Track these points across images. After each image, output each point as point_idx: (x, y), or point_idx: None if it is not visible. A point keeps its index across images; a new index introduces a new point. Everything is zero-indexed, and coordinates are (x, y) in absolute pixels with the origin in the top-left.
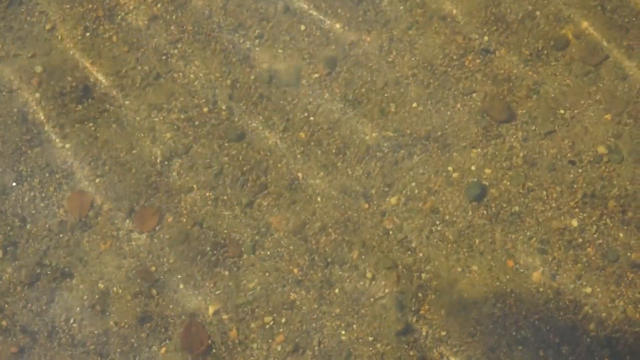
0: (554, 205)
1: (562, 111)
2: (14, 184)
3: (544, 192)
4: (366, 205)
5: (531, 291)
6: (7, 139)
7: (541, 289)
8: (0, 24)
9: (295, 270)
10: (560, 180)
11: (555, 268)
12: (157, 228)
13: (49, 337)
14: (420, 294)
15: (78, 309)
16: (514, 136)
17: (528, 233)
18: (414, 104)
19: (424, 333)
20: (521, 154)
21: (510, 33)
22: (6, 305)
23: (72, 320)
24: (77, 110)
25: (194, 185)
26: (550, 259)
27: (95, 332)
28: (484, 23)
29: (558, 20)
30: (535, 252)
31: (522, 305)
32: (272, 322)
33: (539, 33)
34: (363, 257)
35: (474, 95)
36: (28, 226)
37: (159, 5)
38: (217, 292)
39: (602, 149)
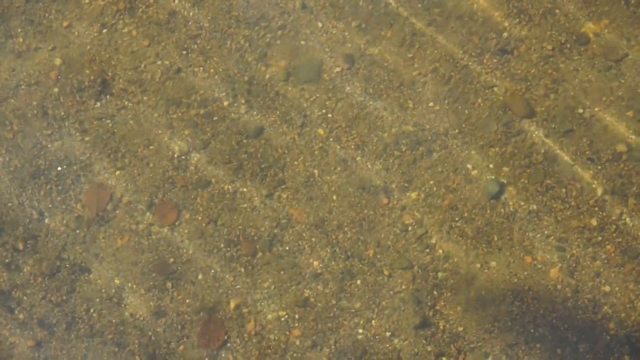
0: (573, 203)
1: (580, 110)
2: (32, 178)
3: (563, 190)
4: (385, 200)
5: (549, 289)
6: (27, 133)
7: (559, 287)
8: (22, 17)
9: (316, 263)
10: (579, 178)
11: (574, 265)
12: (176, 222)
13: (67, 328)
14: (435, 292)
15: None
16: (535, 132)
17: (546, 231)
18: (430, 104)
19: (441, 327)
20: (542, 150)
21: (533, 26)
22: (25, 298)
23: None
24: (95, 107)
25: (212, 179)
26: (568, 256)
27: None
28: (506, 16)
29: (577, 18)
30: (553, 250)
31: (540, 303)
32: (286, 317)
33: (560, 28)
34: (378, 256)
35: (495, 89)
36: (46, 220)
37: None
38: (237, 287)
39: (621, 147)
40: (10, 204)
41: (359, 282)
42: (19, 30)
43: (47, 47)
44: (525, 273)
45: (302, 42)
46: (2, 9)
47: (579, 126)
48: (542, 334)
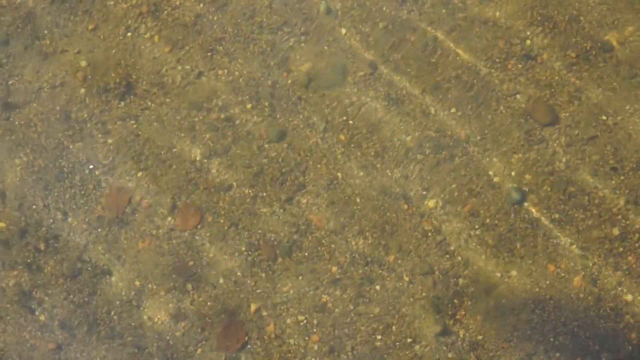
0: (595, 212)
1: (604, 117)
2: (54, 178)
3: (586, 198)
4: (405, 206)
5: (571, 297)
6: (50, 134)
7: (581, 295)
8: (47, 18)
9: (334, 269)
10: (602, 186)
11: (596, 274)
12: (198, 226)
13: (89, 330)
14: (456, 300)
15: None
16: (557, 141)
17: (569, 240)
18: (453, 109)
19: (461, 336)
20: (564, 159)
21: (556, 34)
22: (46, 298)
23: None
24: (120, 107)
25: (234, 183)
26: (590, 264)
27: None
28: (528, 25)
29: (602, 25)
30: (576, 258)
31: (561, 311)
32: (305, 322)
33: (585, 35)
34: (399, 261)
35: (517, 96)
36: (69, 220)
37: (201, 5)
38: (258, 291)
39: None
40: (34, 206)
41: (378, 287)
42: (46, 32)
43: (73, 50)
44: (547, 282)
45: (325, 48)
46: (27, 11)
47: (603, 133)
48: (562, 342)
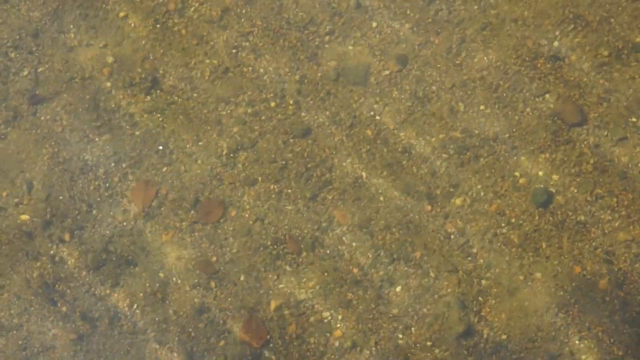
0: (623, 213)
1: (634, 119)
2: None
3: (614, 200)
4: (429, 207)
5: (597, 301)
6: (75, 127)
7: (607, 298)
8: (76, 11)
9: (355, 270)
10: (631, 189)
11: (622, 279)
12: (221, 220)
13: (110, 324)
14: (480, 298)
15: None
16: (585, 142)
17: (594, 243)
18: (482, 107)
19: (484, 336)
20: (592, 161)
21: (589, 32)
22: (68, 291)
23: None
24: (146, 101)
25: (259, 178)
26: (616, 269)
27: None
28: (559, 22)
29: (632, 28)
30: (601, 262)
31: (586, 314)
32: (329, 318)
33: (616, 36)
34: (425, 257)
35: (546, 96)
36: (94, 212)
37: None
38: (280, 286)
39: None
40: (61, 197)
41: (398, 289)
42: (71, 26)
43: (99, 43)
44: (574, 284)
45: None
46: (57, 3)
47: (633, 134)
48: (587, 346)
